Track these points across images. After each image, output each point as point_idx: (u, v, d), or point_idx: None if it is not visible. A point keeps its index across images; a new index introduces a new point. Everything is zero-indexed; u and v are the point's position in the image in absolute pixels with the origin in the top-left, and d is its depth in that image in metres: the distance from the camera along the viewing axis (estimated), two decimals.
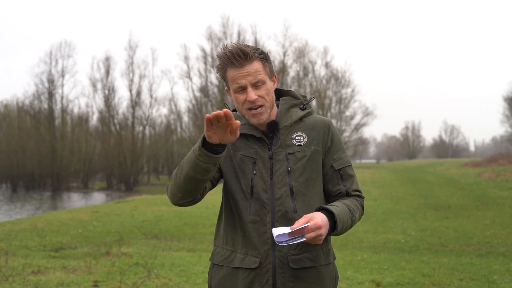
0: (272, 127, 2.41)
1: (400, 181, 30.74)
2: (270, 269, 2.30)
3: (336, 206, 2.31)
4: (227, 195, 2.47)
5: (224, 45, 2.37)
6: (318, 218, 2.14)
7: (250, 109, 2.35)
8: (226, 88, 2.48)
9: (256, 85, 2.33)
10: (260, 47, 2.42)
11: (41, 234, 12.22)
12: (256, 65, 2.33)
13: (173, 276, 7.52)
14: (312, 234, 2.09)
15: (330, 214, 2.24)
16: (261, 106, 2.34)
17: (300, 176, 2.38)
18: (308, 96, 2.60)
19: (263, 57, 2.38)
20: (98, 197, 46.06)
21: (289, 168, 2.37)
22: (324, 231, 2.14)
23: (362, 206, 2.52)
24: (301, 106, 2.51)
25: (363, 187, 25.67)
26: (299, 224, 2.10)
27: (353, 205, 2.43)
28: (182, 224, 14.48)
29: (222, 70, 2.39)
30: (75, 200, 41.46)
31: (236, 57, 2.30)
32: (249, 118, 2.38)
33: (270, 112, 2.40)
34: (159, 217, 16.15)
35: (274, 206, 2.34)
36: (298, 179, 2.37)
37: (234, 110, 2.59)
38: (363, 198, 2.55)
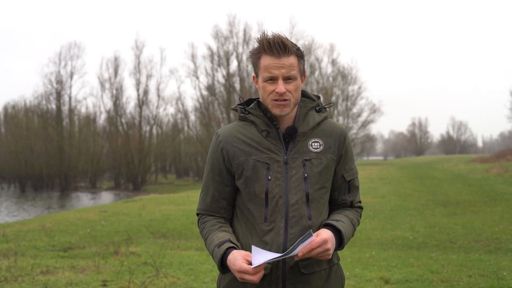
0: (291, 134, 2.38)
1: (408, 177, 30.65)
2: (280, 275, 2.29)
3: (343, 223, 2.34)
4: (238, 200, 2.46)
5: (264, 32, 2.34)
6: (324, 234, 2.19)
7: (276, 100, 2.32)
8: (253, 75, 2.46)
9: (287, 79, 2.30)
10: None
11: (49, 234, 12.26)
12: (292, 60, 2.31)
13: (182, 275, 7.53)
14: (319, 249, 2.14)
15: (337, 231, 2.30)
16: (287, 100, 2.32)
17: (316, 183, 2.36)
18: (320, 97, 2.57)
19: (300, 54, 2.36)
20: (106, 197, 46.19)
21: (306, 175, 2.34)
22: (330, 245, 2.18)
23: (360, 216, 2.58)
24: (317, 108, 2.49)
25: (371, 184, 25.64)
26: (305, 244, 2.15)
27: (355, 219, 2.49)
28: (190, 222, 14.49)
29: (256, 56, 2.36)
30: (83, 200, 41.61)
31: (276, 47, 2.28)
32: (272, 108, 2.34)
33: (293, 109, 2.37)
34: (167, 216, 16.17)
35: (289, 212, 2.31)
36: (314, 186, 2.35)
37: (249, 101, 2.56)
38: (363, 208, 2.61)
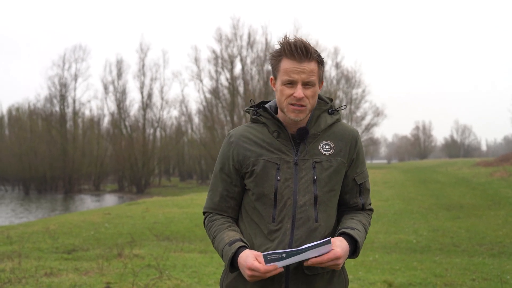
0: (302, 135, 2.39)
1: (412, 181, 30.61)
2: (283, 274, 2.29)
3: (359, 231, 2.36)
4: (245, 200, 2.48)
5: (286, 35, 2.34)
6: (339, 249, 2.20)
7: (292, 104, 2.32)
8: (271, 77, 2.46)
9: (306, 85, 2.30)
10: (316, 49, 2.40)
11: (53, 236, 12.29)
12: (313, 66, 2.31)
13: (185, 277, 7.54)
14: (330, 263, 2.17)
15: (352, 240, 2.31)
16: (303, 105, 2.32)
17: (325, 186, 2.37)
18: (333, 100, 2.58)
19: (321, 60, 2.36)
20: (109, 199, 46.21)
21: (315, 177, 2.35)
22: (342, 260, 2.21)
23: (371, 219, 2.59)
24: (329, 110, 2.49)
25: (375, 187, 25.60)
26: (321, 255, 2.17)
27: (367, 223, 2.50)
28: (193, 225, 14.50)
29: (277, 59, 2.35)
30: (87, 202, 41.65)
31: (298, 51, 2.27)
32: (288, 112, 2.34)
33: (308, 114, 2.37)
34: (170, 218, 16.19)
35: (296, 213, 2.32)
36: (323, 189, 2.36)
37: (260, 104, 2.57)
38: (373, 211, 2.62)
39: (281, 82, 2.34)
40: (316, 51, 2.34)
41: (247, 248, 2.29)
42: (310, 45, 2.31)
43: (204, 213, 2.58)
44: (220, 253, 2.36)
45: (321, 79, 2.41)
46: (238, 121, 49.09)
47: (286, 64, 2.31)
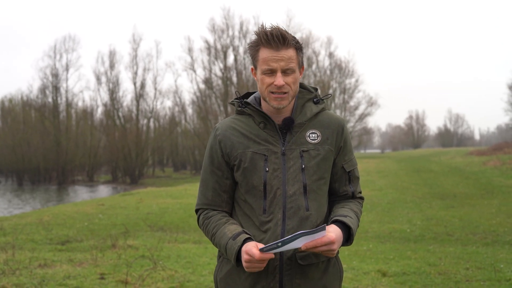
0: (288, 124, 2.38)
1: (405, 170, 30.69)
2: (278, 265, 2.28)
3: (351, 218, 2.34)
4: (236, 193, 2.46)
5: (263, 24, 2.32)
6: (332, 233, 2.18)
7: (273, 92, 2.31)
8: (251, 66, 2.45)
9: (286, 72, 2.29)
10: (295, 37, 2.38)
11: (47, 228, 12.26)
12: (291, 53, 2.29)
13: (179, 268, 7.53)
14: (324, 248, 2.14)
15: (345, 227, 2.30)
16: (285, 93, 2.31)
17: (313, 174, 2.36)
18: (318, 89, 2.56)
19: (298, 46, 2.34)
20: (103, 190, 46.17)
21: (303, 166, 2.34)
22: (336, 246, 2.18)
23: (362, 207, 2.58)
24: (314, 99, 2.48)
25: (368, 177, 25.65)
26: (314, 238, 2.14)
27: (359, 211, 2.49)
28: (187, 216, 14.49)
29: (255, 48, 2.34)
30: (81, 193, 41.58)
31: (275, 39, 2.26)
32: (270, 101, 2.33)
33: (291, 101, 2.37)
34: (164, 209, 16.18)
35: (286, 203, 2.31)
36: (311, 177, 2.35)
37: (245, 95, 2.56)
38: (364, 199, 2.61)
39: (261, 72, 2.32)
40: (294, 37, 2.33)
41: (252, 239, 2.28)
42: (286, 32, 2.30)
43: (197, 210, 2.54)
44: (223, 249, 2.32)
45: (301, 65, 2.39)
46: (232, 112, 49.03)
47: (264, 53, 2.30)
